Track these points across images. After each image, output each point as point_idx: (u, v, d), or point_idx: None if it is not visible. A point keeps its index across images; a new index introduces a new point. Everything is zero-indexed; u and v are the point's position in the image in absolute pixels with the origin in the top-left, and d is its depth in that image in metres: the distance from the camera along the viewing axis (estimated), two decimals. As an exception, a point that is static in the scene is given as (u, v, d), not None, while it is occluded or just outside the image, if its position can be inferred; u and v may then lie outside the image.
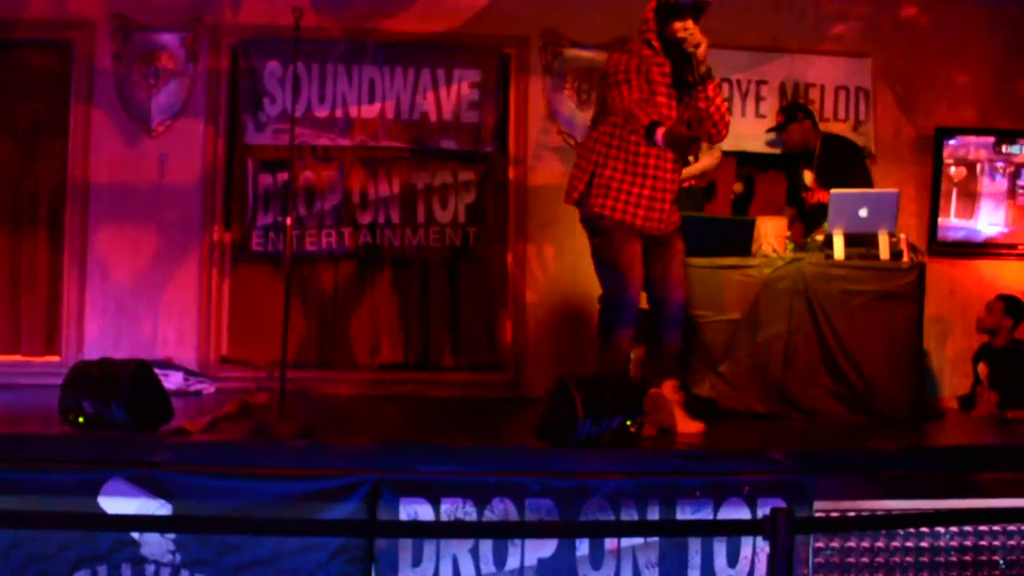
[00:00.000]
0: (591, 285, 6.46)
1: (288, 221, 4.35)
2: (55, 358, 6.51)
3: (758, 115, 6.83)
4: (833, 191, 5.43)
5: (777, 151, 6.65)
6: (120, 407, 3.87)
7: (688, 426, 4.40)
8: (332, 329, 6.60)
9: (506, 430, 5.05)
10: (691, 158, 5.69)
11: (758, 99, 6.86)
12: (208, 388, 6.23)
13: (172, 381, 5.88)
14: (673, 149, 4.28)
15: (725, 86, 6.49)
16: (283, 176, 6.50)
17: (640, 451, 3.87)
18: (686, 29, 4.31)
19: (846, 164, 6.14)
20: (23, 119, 6.65)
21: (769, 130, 6.60)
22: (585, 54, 6.70)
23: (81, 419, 3.95)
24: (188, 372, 6.27)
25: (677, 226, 4.70)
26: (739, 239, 5.43)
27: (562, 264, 6.59)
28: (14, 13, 6.58)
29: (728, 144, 6.46)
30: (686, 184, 5.73)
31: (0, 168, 6.64)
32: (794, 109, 6.39)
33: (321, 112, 6.56)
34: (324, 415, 4.99)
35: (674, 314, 4.67)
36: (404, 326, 6.63)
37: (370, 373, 6.54)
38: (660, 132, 4.15)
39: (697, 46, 4.31)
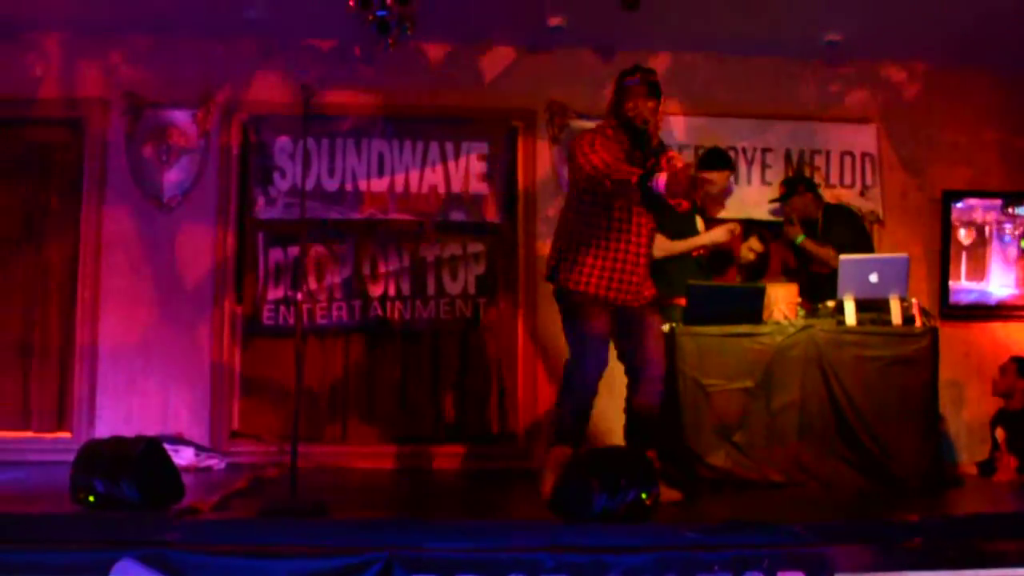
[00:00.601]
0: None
1: (299, 296, 4.34)
2: (66, 434, 6.49)
3: (764, 182, 6.88)
4: (842, 257, 5.43)
5: (780, 219, 6.68)
6: (131, 486, 3.85)
7: (666, 495, 4.37)
8: (343, 402, 6.58)
9: (518, 503, 4.99)
10: (701, 226, 5.73)
11: (764, 166, 6.91)
12: (219, 463, 6.19)
13: (183, 457, 5.85)
14: (673, 193, 4.35)
15: (731, 153, 6.54)
16: (293, 250, 6.55)
17: (656, 525, 3.81)
18: (635, 107, 4.59)
19: (848, 232, 6.16)
20: (37, 195, 6.72)
21: (771, 200, 6.61)
22: (591, 124, 6.72)
23: (92, 498, 3.92)
24: (199, 447, 6.23)
25: (650, 300, 4.79)
26: (750, 306, 5.42)
27: (572, 333, 6.57)
28: (28, 92, 6.70)
29: (733, 211, 6.56)
30: (695, 254, 5.75)
31: (12, 244, 6.69)
32: (796, 182, 6.42)
33: (331, 186, 6.62)
34: (336, 490, 4.95)
35: (649, 386, 4.76)
36: (416, 398, 6.61)
37: (382, 446, 6.50)
38: (662, 178, 4.27)
39: (646, 122, 4.58)
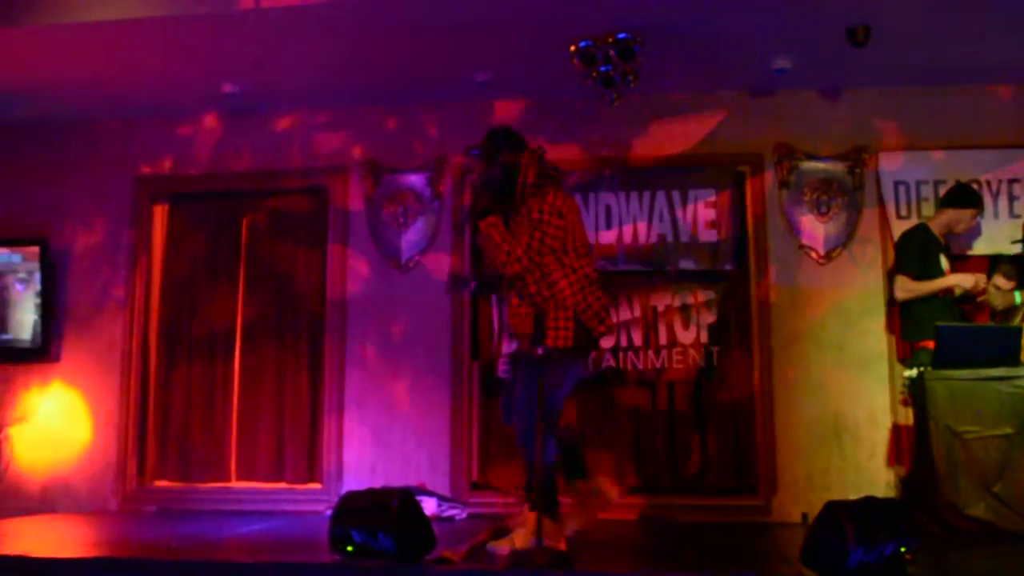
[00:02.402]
0: (843, 402, 6.32)
1: (539, 351, 4.41)
2: (316, 486, 6.83)
3: (1012, 215, 6.46)
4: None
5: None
6: (387, 537, 3.97)
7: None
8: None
9: (764, 557, 4.86)
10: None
11: (1011, 198, 6.51)
12: (460, 514, 6.33)
13: (427, 507, 5.97)
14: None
15: (975, 185, 6.22)
16: (526, 304, 6.67)
17: (917, 580, 3.63)
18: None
19: None
20: (284, 259, 7.17)
21: (1014, 242, 6.17)
22: (821, 165, 6.60)
23: (350, 548, 4.08)
24: (441, 498, 6.40)
25: None
26: (1006, 348, 5.12)
27: (810, 381, 6.39)
28: (275, 164, 7.17)
29: (982, 248, 6.22)
30: (940, 294, 5.50)
31: (264, 306, 7.15)
32: None
33: (561, 240, 6.70)
34: (577, 541, 4.96)
35: None
36: (650, 449, 6.55)
37: (618, 497, 6.48)
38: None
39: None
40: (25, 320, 7.19)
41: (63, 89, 6.78)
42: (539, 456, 4.63)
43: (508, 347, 6.66)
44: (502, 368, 6.66)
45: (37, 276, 7.15)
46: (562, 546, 4.22)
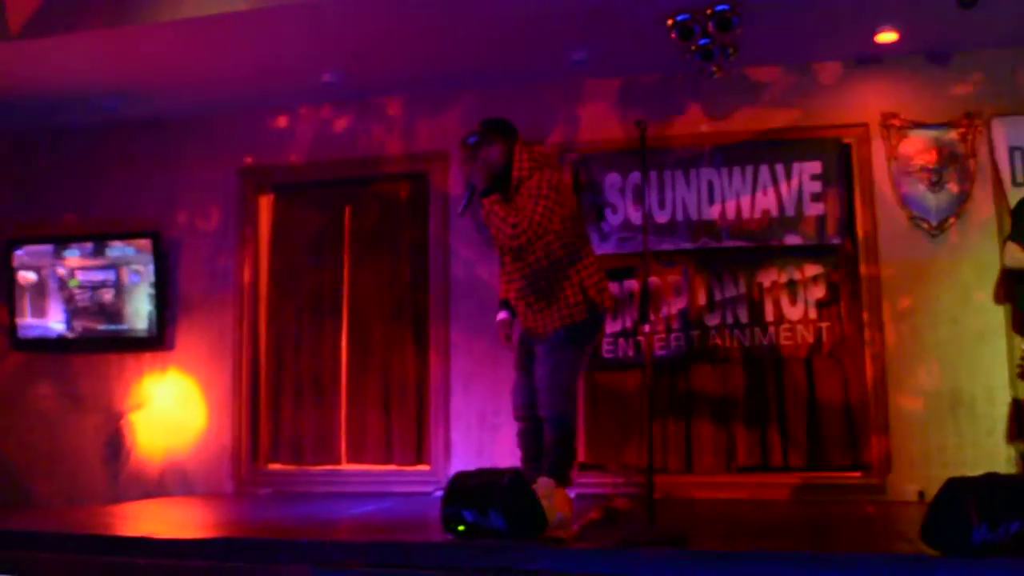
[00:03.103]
0: (958, 377, 6.14)
1: (647, 328, 4.40)
2: (425, 467, 6.91)
3: None
4: None
5: None
6: (499, 515, 3.99)
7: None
8: (686, 433, 6.55)
9: (879, 535, 4.75)
10: None
11: None
12: (569, 494, 6.32)
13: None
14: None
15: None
16: (629, 283, 6.64)
17: (1048, 559, 3.50)
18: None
19: None
20: (387, 244, 7.25)
21: None
22: (931, 133, 6.40)
23: (462, 527, 4.11)
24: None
25: None
26: None
27: (924, 356, 6.22)
28: (378, 151, 7.26)
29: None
30: None
31: (369, 291, 7.25)
32: None
33: (662, 218, 6.63)
34: (688, 520, 4.93)
35: None
36: (760, 427, 6.44)
37: (727, 476, 6.41)
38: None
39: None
40: (140, 310, 7.42)
41: (168, 86, 6.95)
42: (572, 430, 5.11)
43: (612, 327, 6.66)
44: (607, 348, 6.67)
45: (151, 267, 7.37)
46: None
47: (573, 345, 5.07)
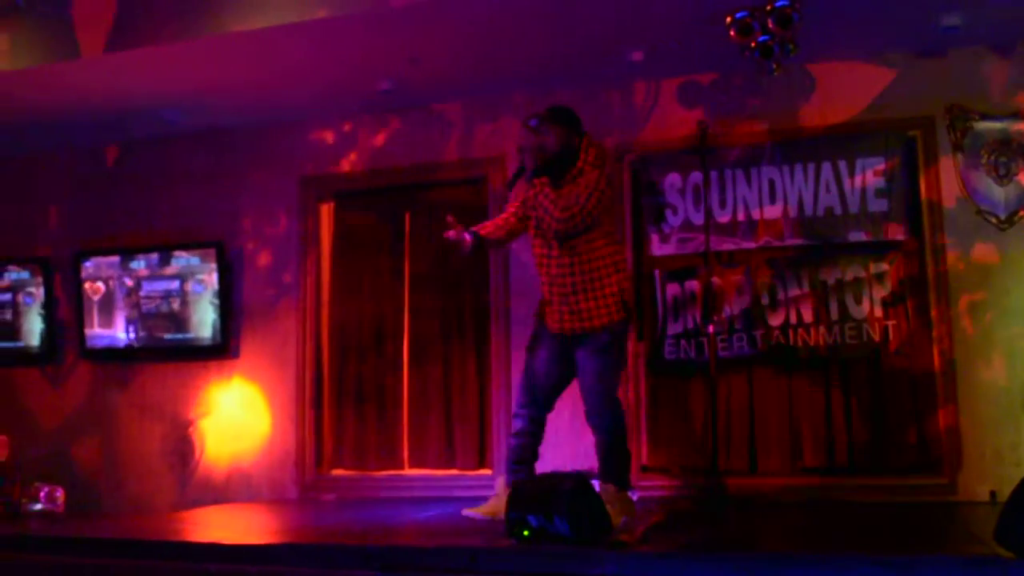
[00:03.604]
0: (1032, 373, 5.98)
1: (711, 329, 4.34)
2: (487, 472, 6.90)
3: None
4: None
5: None
6: (563, 520, 3.99)
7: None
8: (750, 434, 6.47)
9: (951, 537, 4.65)
10: None
11: None
12: (632, 497, 6.29)
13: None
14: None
15: None
16: (691, 284, 6.59)
17: None
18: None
19: None
20: (447, 249, 7.22)
21: None
22: (998, 125, 6.25)
23: (527, 532, 4.11)
24: (611, 482, 6.37)
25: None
26: None
27: (995, 352, 6.07)
28: (436, 157, 7.29)
29: None
30: None
31: (429, 295, 7.28)
32: None
33: (723, 218, 6.57)
34: (753, 523, 4.87)
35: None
36: (825, 428, 6.33)
37: (792, 478, 6.30)
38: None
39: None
40: (205, 319, 7.52)
41: (228, 97, 7.06)
42: (625, 433, 5.10)
43: (674, 328, 6.62)
44: (668, 350, 6.62)
45: (215, 277, 7.47)
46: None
47: (617, 346, 5.02)
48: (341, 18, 5.83)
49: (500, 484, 5.11)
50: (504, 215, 5.39)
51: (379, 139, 7.46)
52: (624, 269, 5.05)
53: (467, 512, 4.97)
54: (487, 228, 5.33)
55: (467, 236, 5.18)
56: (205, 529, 5.42)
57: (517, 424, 5.20)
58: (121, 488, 7.62)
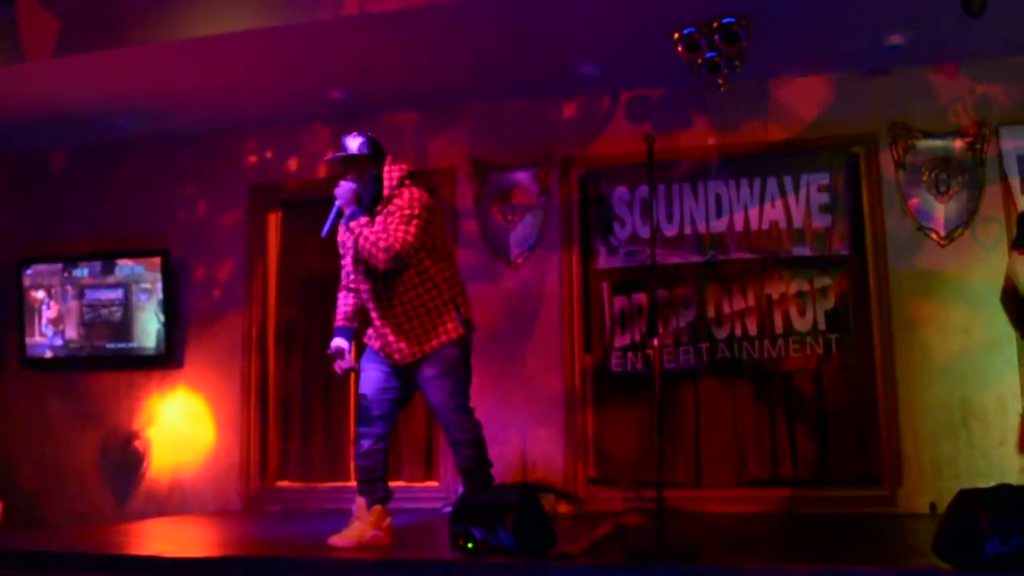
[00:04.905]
0: (969, 387, 6.10)
1: (656, 342, 4.36)
2: (434, 484, 6.91)
3: None
4: None
5: None
6: (508, 533, 3.98)
7: None
8: (695, 446, 6.51)
9: (890, 548, 4.72)
10: None
11: None
12: (577, 510, 6.32)
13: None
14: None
15: None
16: (637, 297, 6.62)
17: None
18: None
19: None
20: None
21: None
22: (939, 143, 6.37)
23: (471, 545, 4.10)
24: (558, 494, 6.40)
25: None
26: None
27: (935, 366, 6.18)
28: (385, 168, 7.26)
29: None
30: None
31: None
32: None
33: (670, 231, 6.64)
34: (697, 535, 4.90)
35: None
36: (770, 440, 6.41)
37: (737, 490, 6.38)
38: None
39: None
40: (149, 328, 7.43)
41: (177, 104, 6.99)
42: (484, 441, 5.00)
43: (621, 341, 6.65)
44: (616, 362, 6.65)
45: (159, 285, 7.39)
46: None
47: (463, 362, 4.89)
48: (291, 27, 5.80)
49: (359, 506, 4.89)
50: (343, 294, 5.19)
51: (329, 149, 7.41)
52: (458, 284, 4.89)
53: (332, 540, 4.65)
54: (348, 315, 5.16)
55: (344, 343, 5.10)
56: (147, 541, 5.35)
57: (364, 445, 4.94)
58: (62, 500, 7.48)
